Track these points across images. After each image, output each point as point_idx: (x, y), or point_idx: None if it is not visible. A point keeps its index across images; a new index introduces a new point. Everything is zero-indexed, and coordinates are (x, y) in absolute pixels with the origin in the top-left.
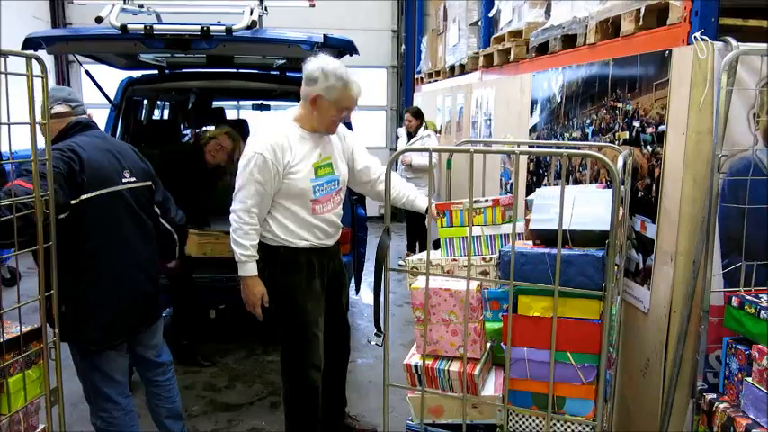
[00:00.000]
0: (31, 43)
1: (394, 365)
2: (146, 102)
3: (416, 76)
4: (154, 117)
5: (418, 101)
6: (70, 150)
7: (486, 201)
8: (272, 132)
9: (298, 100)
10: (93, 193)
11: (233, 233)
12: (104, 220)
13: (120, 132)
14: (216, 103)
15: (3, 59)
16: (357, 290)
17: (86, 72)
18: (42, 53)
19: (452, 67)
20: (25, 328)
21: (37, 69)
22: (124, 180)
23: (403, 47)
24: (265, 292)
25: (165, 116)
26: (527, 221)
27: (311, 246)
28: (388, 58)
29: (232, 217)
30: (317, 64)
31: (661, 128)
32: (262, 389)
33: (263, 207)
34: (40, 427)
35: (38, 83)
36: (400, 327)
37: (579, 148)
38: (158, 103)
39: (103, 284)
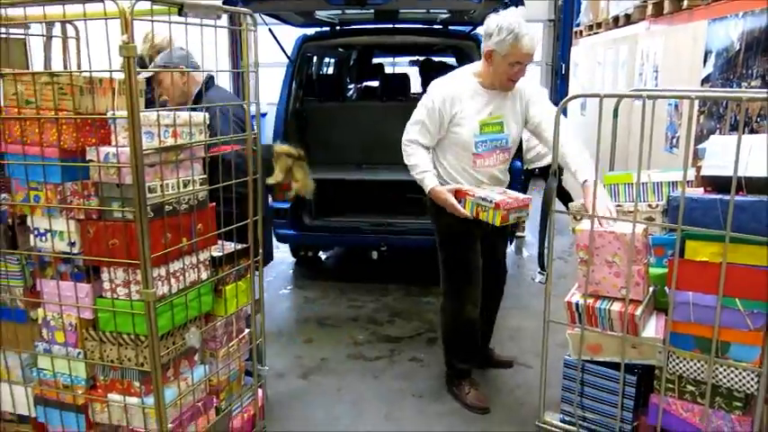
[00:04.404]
0: (230, 2)
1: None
2: (315, 58)
3: (575, 29)
4: (321, 73)
5: (576, 55)
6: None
7: None
8: (450, 82)
9: (457, 55)
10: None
11: (405, 160)
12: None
13: (294, 87)
14: (375, 60)
15: (224, 14)
16: (511, 242)
17: (270, 30)
18: None
19: (616, 18)
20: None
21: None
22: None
23: None
24: (452, 195)
25: (330, 72)
26: (697, 169)
27: None
28: (545, 11)
29: (402, 145)
30: (496, 19)
31: None
32: (420, 325)
33: (427, 141)
34: (246, 330)
35: (250, 35)
36: (554, 281)
37: None
38: (325, 59)
39: None
